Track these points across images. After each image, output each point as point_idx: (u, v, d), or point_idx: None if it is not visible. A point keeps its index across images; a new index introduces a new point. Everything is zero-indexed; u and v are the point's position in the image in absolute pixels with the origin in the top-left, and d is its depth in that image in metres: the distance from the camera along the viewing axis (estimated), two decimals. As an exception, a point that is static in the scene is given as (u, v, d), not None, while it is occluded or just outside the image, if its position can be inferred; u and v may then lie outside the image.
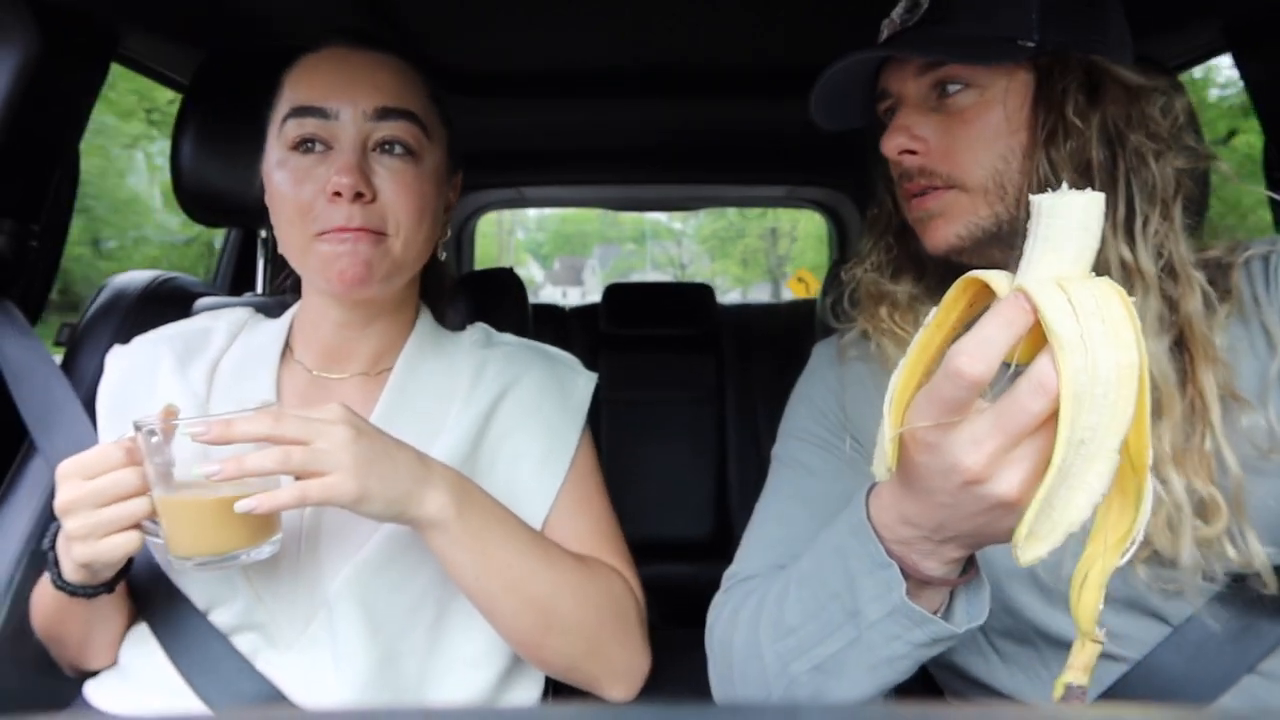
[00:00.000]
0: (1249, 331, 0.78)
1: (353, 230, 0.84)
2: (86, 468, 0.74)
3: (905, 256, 0.92)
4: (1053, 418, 0.48)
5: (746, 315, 2.54)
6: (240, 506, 0.71)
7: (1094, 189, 0.49)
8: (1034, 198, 0.50)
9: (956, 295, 0.54)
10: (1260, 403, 0.74)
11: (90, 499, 0.73)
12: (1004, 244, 0.82)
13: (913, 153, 0.82)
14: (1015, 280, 0.50)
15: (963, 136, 0.80)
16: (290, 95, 0.89)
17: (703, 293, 2.51)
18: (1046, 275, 0.48)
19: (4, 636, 0.96)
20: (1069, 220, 0.49)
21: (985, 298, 0.52)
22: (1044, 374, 0.47)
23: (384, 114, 0.86)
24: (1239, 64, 1.24)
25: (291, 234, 0.87)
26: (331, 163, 0.85)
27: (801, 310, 2.37)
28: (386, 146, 0.87)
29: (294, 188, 0.85)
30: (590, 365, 1.05)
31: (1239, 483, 0.72)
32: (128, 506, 0.74)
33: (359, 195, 0.83)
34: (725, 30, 1.42)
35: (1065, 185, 0.50)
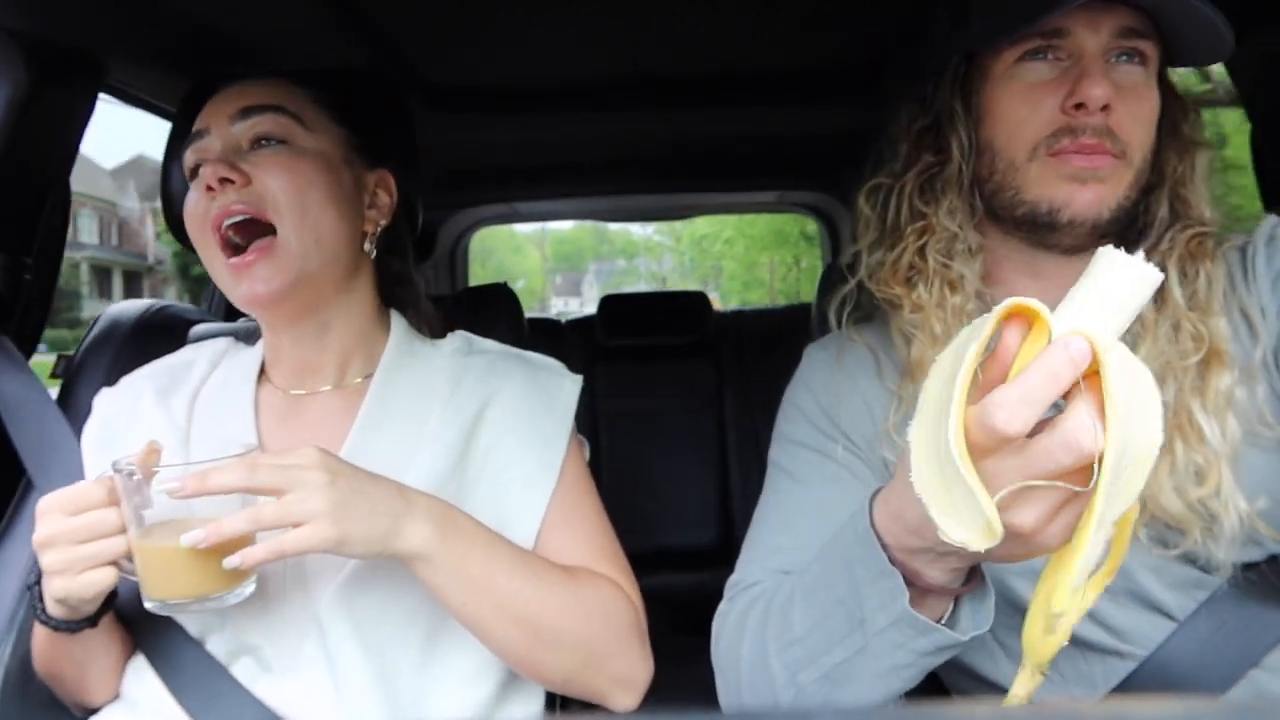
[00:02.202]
0: (1231, 321, 0.79)
1: (235, 214, 0.86)
2: (68, 504, 0.74)
3: (987, 220, 0.86)
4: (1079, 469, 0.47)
5: (742, 320, 2.54)
6: (228, 564, 0.71)
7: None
8: (1105, 250, 0.48)
9: (992, 327, 0.50)
10: (1246, 384, 0.76)
11: (69, 535, 0.73)
12: (1117, 236, 0.82)
13: (1107, 108, 0.77)
14: (1064, 320, 0.48)
15: (1137, 109, 0.78)
16: None
17: (698, 300, 2.51)
18: (1090, 328, 0.47)
19: (9, 672, 0.96)
20: (1129, 284, 0.47)
21: (1021, 319, 0.50)
22: (1080, 432, 0.46)
23: (247, 112, 0.90)
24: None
25: (203, 253, 0.90)
26: None
27: (797, 314, 2.37)
28: (259, 143, 0.90)
29: (191, 207, 0.90)
30: (588, 377, 1.04)
31: (1235, 449, 0.74)
32: (105, 545, 0.74)
33: (226, 181, 0.86)
34: (713, 39, 1.42)
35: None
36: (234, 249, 0.87)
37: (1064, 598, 0.49)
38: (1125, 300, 0.47)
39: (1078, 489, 0.49)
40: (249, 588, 0.77)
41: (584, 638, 0.85)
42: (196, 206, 0.89)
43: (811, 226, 2.71)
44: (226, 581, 0.75)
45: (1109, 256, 0.48)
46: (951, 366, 0.50)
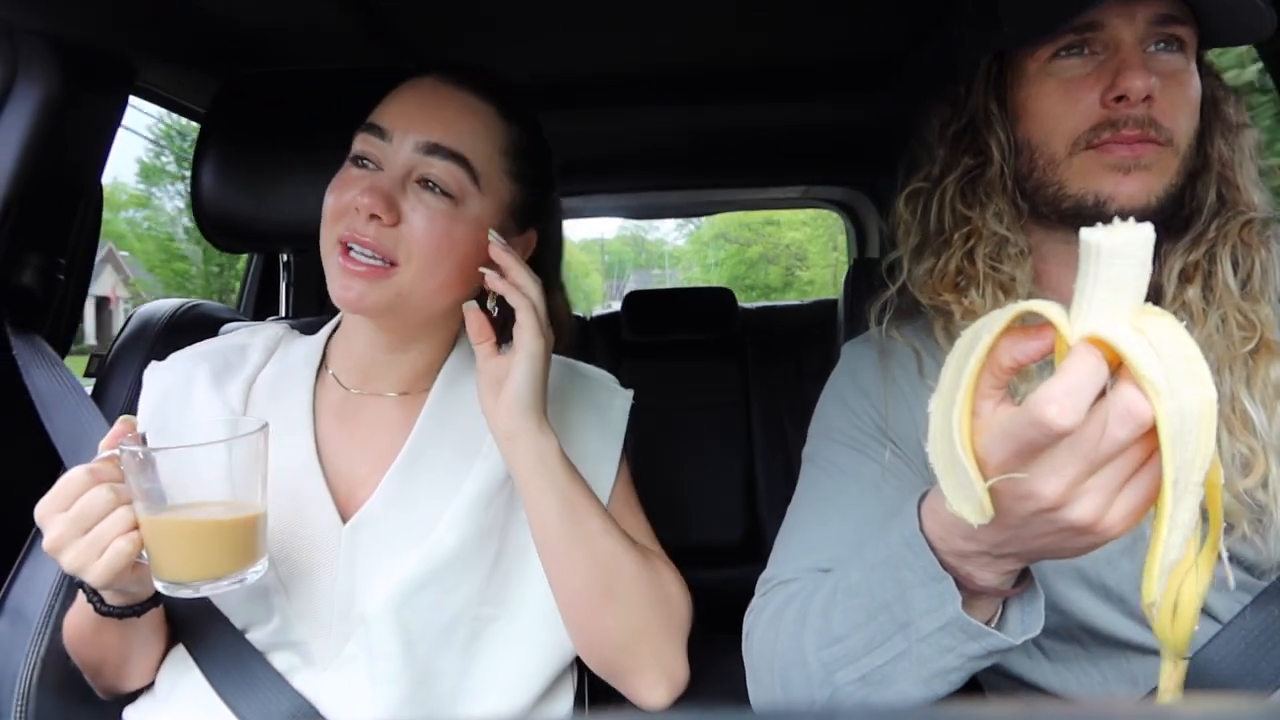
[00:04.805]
0: (1275, 307, 0.79)
1: (365, 246, 0.84)
2: (59, 500, 0.74)
3: (1032, 220, 0.85)
4: (1133, 444, 0.47)
5: (767, 316, 2.52)
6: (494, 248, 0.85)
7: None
8: (1087, 235, 0.47)
9: (1006, 323, 0.50)
10: None
11: (72, 529, 0.73)
12: (1163, 225, 0.81)
13: (1149, 98, 0.76)
14: (1079, 323, 0.47)
15: (1179, 96, 0.78)
16: (373, 113, 0.90)
17: (723, 296, 2.49)
18: (1111, 316, 0.47)
19: (46, 664, 0.97)
20: (1130, 259, 0.46)
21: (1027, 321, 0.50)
22: (1132, 403, 0.45)
23: (433, 149, 0.86)
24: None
25: (325, 235, 0.88)
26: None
27: (822, 309, 2.35)
28: (427, 183, 0.86)
29: (336, 194, 0.88)
30: (613, 374, 1.04)
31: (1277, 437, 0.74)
32: (107, 524, 0.74)
33: (376, 217, 0.84)
34: (740, 32, 1.41)
35: (1119, 220, 0.47)
36: (349, 251, 0.86)
37: (1152, 579, 0.49)
38: (1136, 273, 0.47)
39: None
40: (258, 570, 0.76)
41: (646, 602, 0.87)
42: (339, 201, 0.86)
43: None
44: (235, 563, 0.74)
45: (1094, 244, 0.47)
46: (967, 349, 0.51)
